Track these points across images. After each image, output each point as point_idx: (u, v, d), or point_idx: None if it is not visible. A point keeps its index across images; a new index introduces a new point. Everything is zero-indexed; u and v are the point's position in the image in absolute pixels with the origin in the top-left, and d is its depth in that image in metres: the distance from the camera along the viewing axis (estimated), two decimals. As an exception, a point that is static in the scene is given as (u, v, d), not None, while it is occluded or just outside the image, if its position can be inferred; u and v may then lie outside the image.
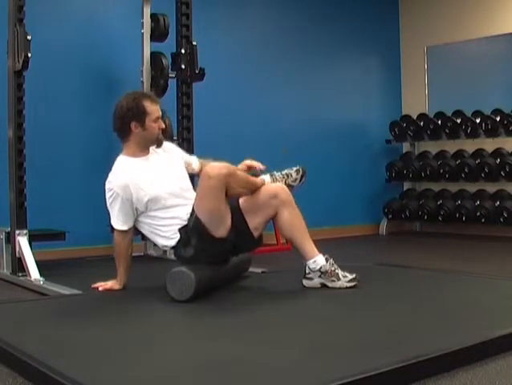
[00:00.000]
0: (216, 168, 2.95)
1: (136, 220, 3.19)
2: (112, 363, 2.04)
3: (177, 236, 3.10)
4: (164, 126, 3.30)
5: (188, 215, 3.09)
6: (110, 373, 1.94)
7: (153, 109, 3.20)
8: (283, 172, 3.28)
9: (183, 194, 3.24)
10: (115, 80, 5.05)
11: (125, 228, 3.16)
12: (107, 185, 3.16)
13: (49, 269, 3.77)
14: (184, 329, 2.60)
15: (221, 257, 3.16)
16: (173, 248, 3.15)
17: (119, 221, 3.16)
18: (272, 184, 3.19)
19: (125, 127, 3.17)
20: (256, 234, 3.15)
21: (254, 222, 3.13)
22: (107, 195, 3.17)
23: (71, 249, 4.66)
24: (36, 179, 4.12)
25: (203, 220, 2.99)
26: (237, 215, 3.09)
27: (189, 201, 3.15)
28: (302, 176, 3.29)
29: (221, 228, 3.01)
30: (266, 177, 3.24)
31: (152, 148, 3.28)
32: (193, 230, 3.02)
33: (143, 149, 3.24)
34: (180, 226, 3.10)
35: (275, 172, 3.28)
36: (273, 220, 3.19)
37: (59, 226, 4.34)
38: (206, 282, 3.00)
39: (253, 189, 3.13)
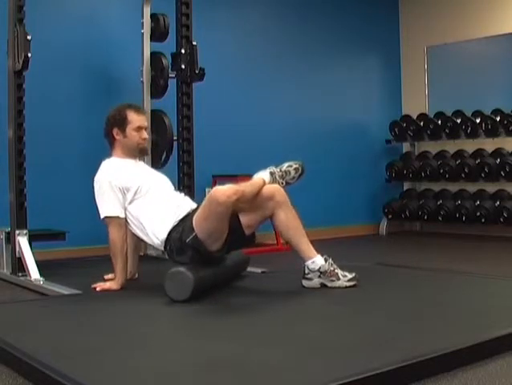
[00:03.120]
0: (225, 194, 2.88)
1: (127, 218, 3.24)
2: (112, 363, 2.04)
3: (164, 231, 3.13)
4: (146, 136, 3.42)
5: (179, 216, 3.13)
6: (110, 373, 1.94)
7: (135, 118, 3.37)
8: (283, 169, 3.21)
9: (172, 192, 3.39)
10: (115, 80, 5.05)
11: (120, 214, 3.21)
12: (96, 179, 3.27)
13: (49, 269, 3.77)
14: (183, 329, 2.59)
15: (215, 261, 3.17)
16: (165, 250, 3.18)
17: (114, 208, 3.20)
18: (269, 186, 3.14)
19: (109, 134, 3.38)
20: (248, 232, 3.14)
21: (247, 220, 3.11)
22: (96, 187, 3.26)
23: (71, 249, 4.66)
24: (36, 179, 4.11)
25: (202, 238, 2.98)
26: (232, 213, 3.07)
27: (179, 201, 3.30)
28: (300, 175, 3.25)
29: (219, 242, 3.02)
30: (266, 176, 3.17)
31: (143, 163, 3.52)
32: (189, 245, 3.01)
33: (128, 156, 3.39)
34: (169, 223, 3.13)
35: (275, 169, 3.20)
36: (271, 220, 3.19)
37: (59, 226, 4.34)
38: (204, 282, 3.01)
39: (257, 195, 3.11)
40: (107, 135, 3.39)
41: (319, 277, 3.13)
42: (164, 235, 3.13)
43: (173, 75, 4.58)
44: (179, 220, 3.14)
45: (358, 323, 2.53)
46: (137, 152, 3.41)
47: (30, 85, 3.83)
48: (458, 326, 2.44)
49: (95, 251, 4.67)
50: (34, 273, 3.59)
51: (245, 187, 3.05)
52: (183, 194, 3.47)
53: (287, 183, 3.22)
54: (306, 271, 3.15)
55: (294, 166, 3.24)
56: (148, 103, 4.64)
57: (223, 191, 2.91)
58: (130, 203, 3.22)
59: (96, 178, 3.27)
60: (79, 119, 4.92)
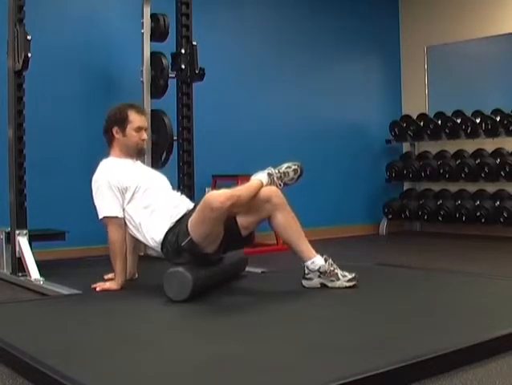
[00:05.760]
0: (218, 200, 2.84)
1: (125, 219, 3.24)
2: (112, 363, 2.04)
3: (161, 232, 3.12)
4: (145, 137, 3.42)
5: (175, 218, 3.13)
6: (110, 373, 1.94)
7: (136, 118, 3.36)
8: (281, 171, 3.17)
9: (170, 191, 3.37)
10: (115, 80, 5.05)
11: (119, 214, 3.21)
12: (94, 179, 3.27)
13: (49, 269, 3.77)
14: (183, 328, 2.59)
15: (212, 262, 3.17)
16: (162, 252, 3.17)
17: (113, 208, 3.20)
18: (265, 188, 3.11)
19: (109, 132, 3.36)
20: (244, 233, 3.12)
21: (244, 222, 3.10)
22: (95, 187, 3.25)
23: (71, 249, 4.66)
24: (36, 179, 4.12)
25: (197, 241, 2.97)
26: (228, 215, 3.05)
27: (176, 201, 3.29)
28: (299, 176, 3.22)
29: (214, 244, 3.01)
30: (263, 177, 3.13)
31: (141, 163, 3.50)
32: (185, 249, 3.01)
33: (126, 156, 3.38)
34: (167, 224, 3.13)
35: (273, 170, 3.16)
36: (269, 222, 3.17)
37: (59, 226, 4.34)
38: (203, 282, 3.01)
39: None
40: (106, 133, 3.38)
41: (319, 277, 3.13)
42: (160, 237, 3.12)
43: (173, 75, 4.58)
44: (175, 222, 3.13)
45: (358, 323, 2.53)
46: (135, 153, 3.40)
47: (30, 85, 3.83)
48: (458, 326, 2.44)
49: (95, 251, 4.67)
50: (34, 273, 3.59)
51: (242, 191, 3.02)
52: (180, 193, 3.46)
53: (285, 184, 3.19)
54: (306, 271, 3.16)
55: (293, 167, 3.20)
56: (148, 103, 4.64)
57: (217, 196, 2.86)
58: (128, 203, 3.22)
59: (94, 178, 3.26)
60: (79, 119, 4.92)
